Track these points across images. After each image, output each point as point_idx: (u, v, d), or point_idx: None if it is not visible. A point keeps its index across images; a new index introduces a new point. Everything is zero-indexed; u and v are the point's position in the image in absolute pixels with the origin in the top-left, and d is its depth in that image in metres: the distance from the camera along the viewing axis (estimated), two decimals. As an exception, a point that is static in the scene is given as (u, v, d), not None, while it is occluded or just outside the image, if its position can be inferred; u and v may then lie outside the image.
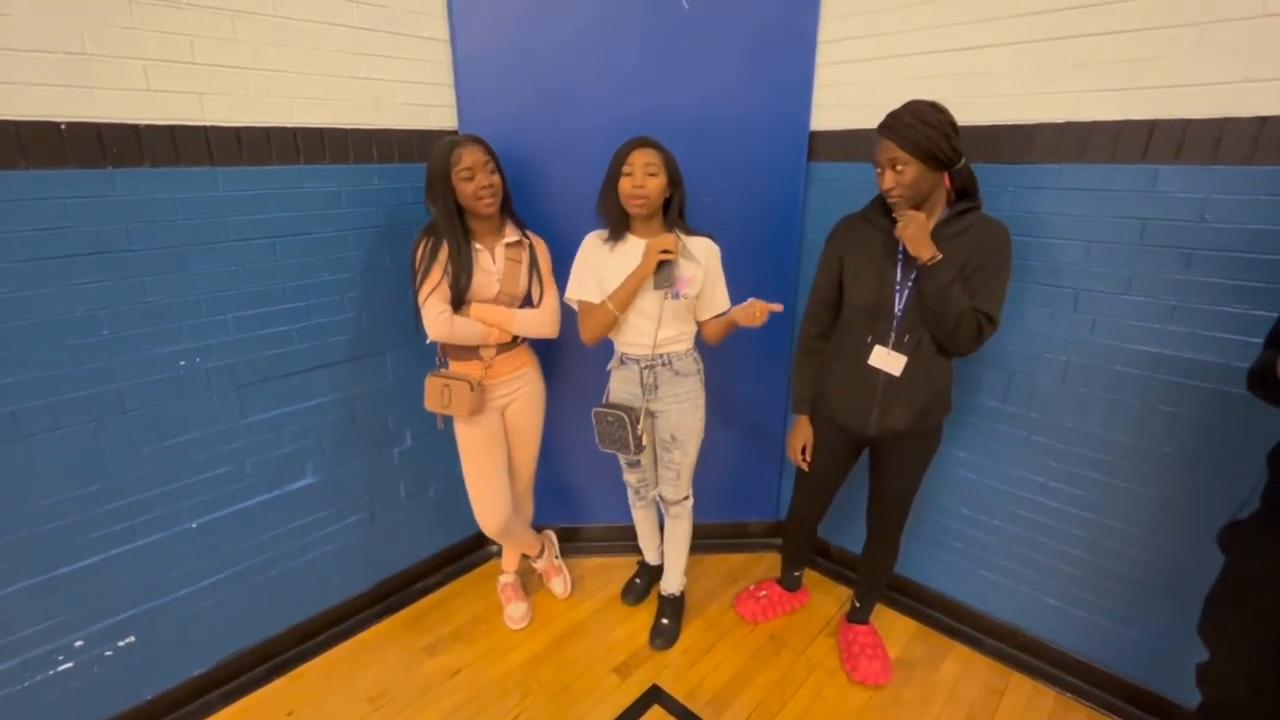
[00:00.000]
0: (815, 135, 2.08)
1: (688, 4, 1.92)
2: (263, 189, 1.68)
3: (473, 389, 1.74)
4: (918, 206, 1.47)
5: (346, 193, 1.84)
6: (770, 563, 2.48)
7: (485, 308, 1.75)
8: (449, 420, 1.86)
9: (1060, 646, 1.92)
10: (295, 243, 1.77)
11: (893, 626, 2.14)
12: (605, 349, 1.87)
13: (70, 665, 1.59)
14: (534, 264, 1.81)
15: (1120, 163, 1.54)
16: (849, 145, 2.00)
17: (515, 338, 1.84)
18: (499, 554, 2.36)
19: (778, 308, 1.53)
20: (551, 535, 2.35)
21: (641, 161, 1.60)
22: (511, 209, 1.81)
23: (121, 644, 1.67)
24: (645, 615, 2.19)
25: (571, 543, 2.50)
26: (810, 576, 2.37)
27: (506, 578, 2.24)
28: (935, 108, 1.39)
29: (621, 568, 2.41)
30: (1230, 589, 1.24)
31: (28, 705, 1.54)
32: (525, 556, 2.27)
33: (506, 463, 1.96)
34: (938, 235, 1.47)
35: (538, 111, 1.99)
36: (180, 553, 1.73)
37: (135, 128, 1.45)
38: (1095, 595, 1.82)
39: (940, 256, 1.44)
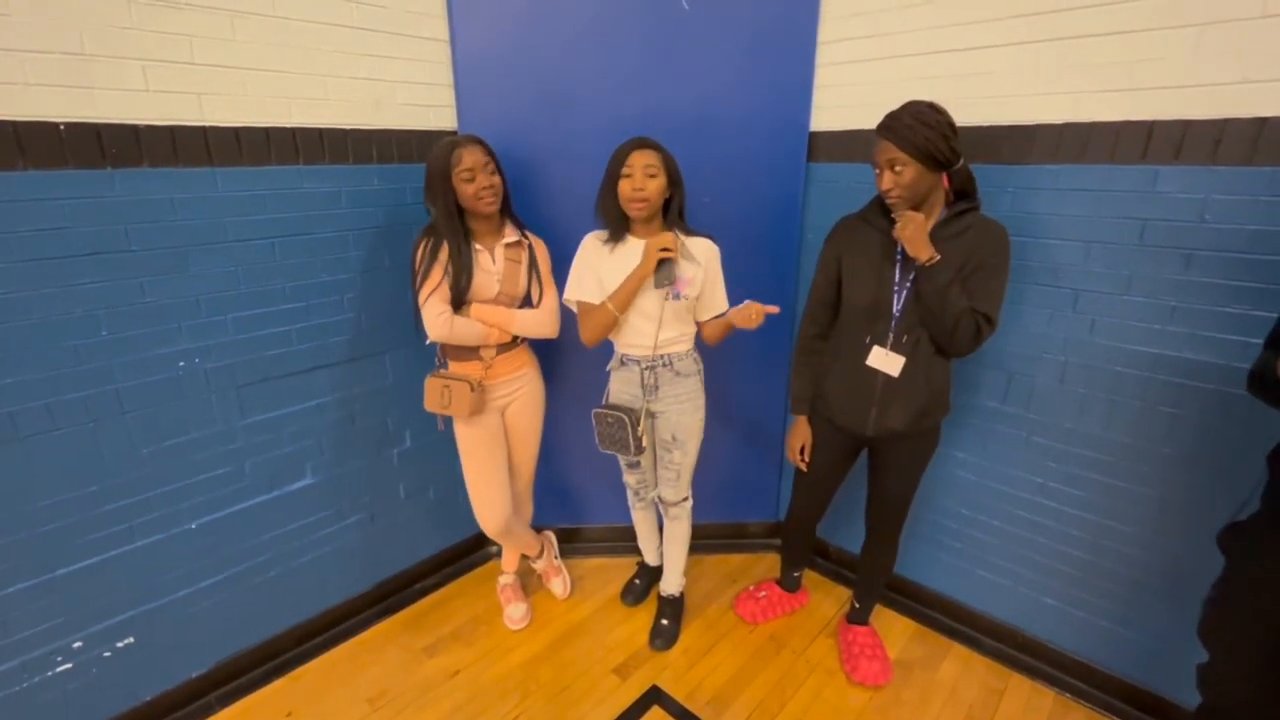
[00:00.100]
0: (815, 136, 2.08)
1: (688, 4, 1.92)
2: (262, 189, 1.68)
3: (473, 389, 1.74)
4: (916, 207, 1.47)
5: (346, 193, 1.83)
6: (770, 563, 2.48)
7: (485, 308, 1.75)
8: (449, 421, 1.86)
9: (1059, 647, 1.92)
10: (294, 243, 1.76)
11: (892, 627, 2.14)
12: (604, 349, 1.87)
13: (69, 666, 1.59)
14: (533, 264, 1.81)
15: (1120, 163, 1.54)
16: (849, 146, 2.00)
17: (515, 338, 1.84)
18: (498, 554, 2.36)
19: (774, 310, 1.52)
20: (551, 536, 2.35)
21: (641, 163, 1.59)
22: (510, 209, 1.80)
23: (120, 645, 1.67)
24: (645, 616, 2.19)
25: (571, 543, 2.50)
26: (809, 577, 2.37)
27: (506, 578, 2.24)
28: (934, 108, 1.39)
29: (621, 568, 2.41)
30: (1230, 590, 1.24)
31: (27, 706, 1.54)
32: (525, 557, 2.27)
33: (507, 463, 1.96)
34: (936, 236, 1.46)
35: (537, 112, 1.99)
36: (179, 554, 1.73)
37: (134, 128, 1.45)
38: (1095, 596, 1.82)
39: (938, 257, 1.44)
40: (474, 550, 2.50)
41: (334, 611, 2.11)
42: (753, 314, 1.53)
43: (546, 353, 2.10)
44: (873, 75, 1.90)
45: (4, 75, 1.29)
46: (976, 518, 2.00)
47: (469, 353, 1.79)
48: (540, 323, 1.82)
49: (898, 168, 1.41)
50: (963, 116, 1.47)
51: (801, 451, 1.83)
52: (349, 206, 1.85)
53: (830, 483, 1.88)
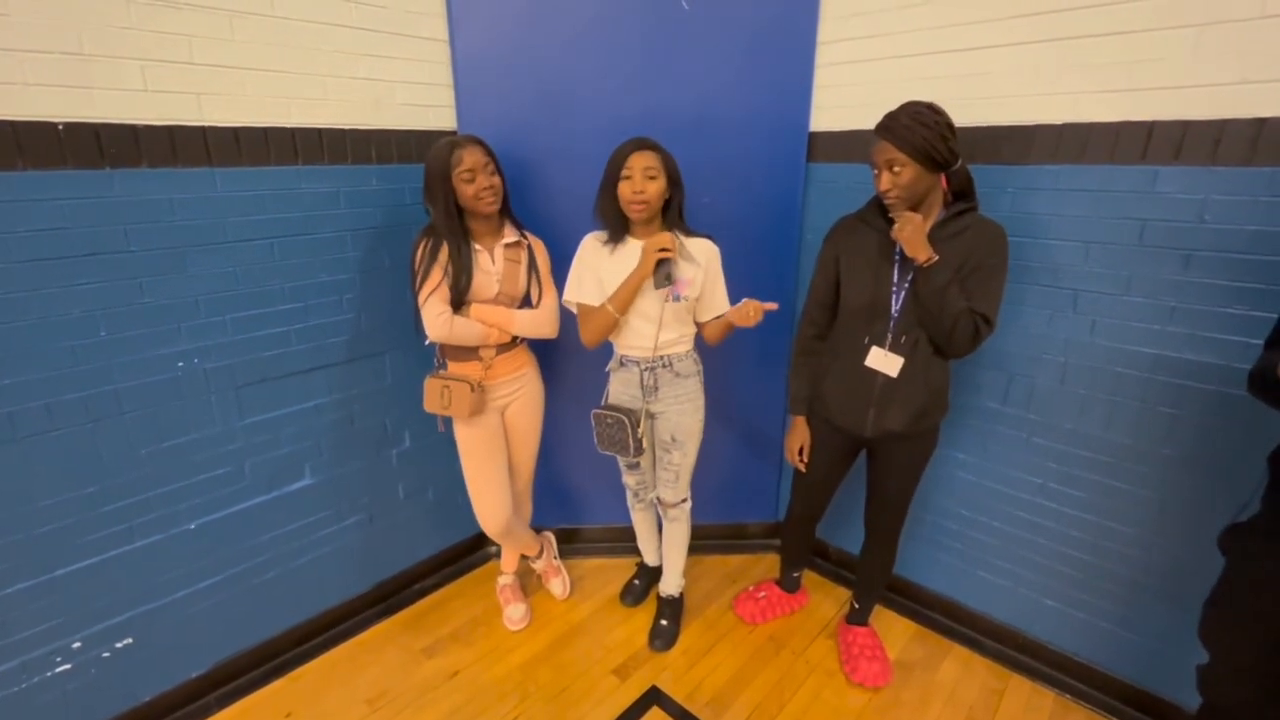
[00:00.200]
0: (814, 136, 2.07)
1: (687, 4, 1.92)
2: (261, 190, 1.67)
3: (472, 390, 1.74)
4: (914, 208, 1.47)
5: (345, 193, 1.83)
6: (769, 564, 2.47)
7: (485, 308, 1.75)
8: (449, 422, 1.86)
9: (1059, 648, 1.91)
10: (293, 243, 1.76)
11: (891, 628, 2.14)
12: (604, 350, 1.87)
13: (68, 667, 1.59)
14: (533, 264, 1.81)
15: (1119, 164, 1.54)
16: (848, 146, 2.00)
17: (515, 338, 1.84)
18: (498, 555, 2.36)
19: (773, 306, 1.52)
20: (550, 536, 2.35)
21: (640, 165, 1.59)
22: (510, 209, 1.80)
23: (120, 645, 1.66)
24: (644, 616, 2.19)
25: (570, 544, 2.50)
26: (809, 578, 2.37)
27: (505, 579, 2.24)
28: (932, 109, 1.39)
29: (620, 569, 2.41)
30: (1230, 591, 1.24)
31: (26, 707, 1.54)
32: (524, 557, 2.27)
33: (507, 463, 1.95)
34: (934, 236, 1.46)
35: (537, 112, 1.99)
36: (178, 554, 1.72)
37: (133, 128, 1.45)
38: (1095, 597, 1.81)
39: (937, 258, 1.44)
40: (473, 551, 2.50)
41: (333, 612, 2.10)
42: (750, 311, 1.52)
43: (546, 353, 2.10)
44: (872, 75, 1.90)
45: (3, 75, 1.29)
46: (976, 518, 1.99)
47: (468, 353, 1.79)
48: (540, 323, 1.81)
49: (896, 168, 1.41)
50: (962, 117, 1.47)
51: (800, 452, 1.83)
52: (348, 207, 1.85)
53: (829, 483, 1.88)
